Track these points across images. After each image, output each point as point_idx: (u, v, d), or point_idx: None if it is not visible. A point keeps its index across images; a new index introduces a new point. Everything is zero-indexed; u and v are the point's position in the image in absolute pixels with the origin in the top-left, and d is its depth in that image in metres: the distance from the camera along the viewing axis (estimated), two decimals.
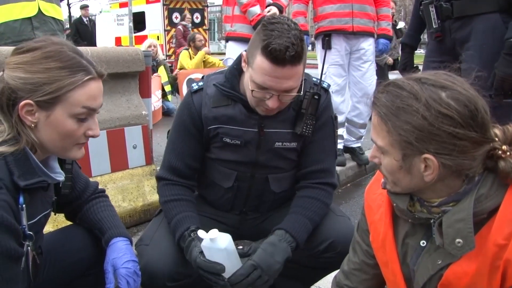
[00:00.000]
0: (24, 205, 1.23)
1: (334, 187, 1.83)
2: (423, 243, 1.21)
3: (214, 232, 1.49)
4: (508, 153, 1.05)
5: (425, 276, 1.18)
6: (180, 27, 11.59)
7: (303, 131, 1.71)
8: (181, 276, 1.64)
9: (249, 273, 1.53)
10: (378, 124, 1.12)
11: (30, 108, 1.20)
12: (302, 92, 1.69)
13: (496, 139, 1.08)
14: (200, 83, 1.77)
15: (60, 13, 3.22)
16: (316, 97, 1.71)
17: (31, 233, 1.28)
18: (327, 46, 3.80)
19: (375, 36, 3.99)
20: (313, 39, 4.17)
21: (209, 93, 1.73)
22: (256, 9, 3.81)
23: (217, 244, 1.48)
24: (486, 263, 1.06)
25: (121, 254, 1.49)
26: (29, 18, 2.96)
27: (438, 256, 1.15)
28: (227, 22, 4.07)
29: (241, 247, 1.58)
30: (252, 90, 1.57)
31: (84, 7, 12.54)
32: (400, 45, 4.10)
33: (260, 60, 1.51)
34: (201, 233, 1.52)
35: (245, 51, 1.64)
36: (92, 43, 11.62)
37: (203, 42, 8.13)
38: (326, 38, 3.84)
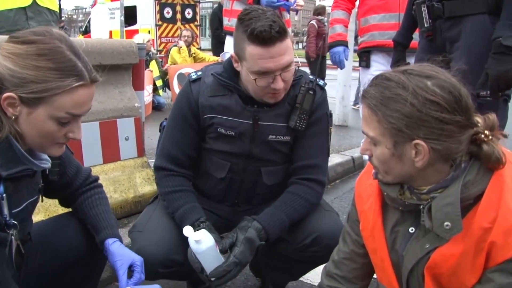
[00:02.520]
0: (4, 195, 1.22)
1: (323, 184, 1.84)
2: (412, 229, 1.26)
3: (199, 233, 1.55)
4: (490, 137, 1.12)
5: (413, 260, 1.23)
6: (314, 21, 9.01)
7: (296, 125, 1.74)
8: (173, 263, 1.67)
9: (232, 269, 1.57)
10: (368, 116, 1.17)
11: (13, 100, 1.16)
12: (297, 86, 1.74)
13: (479, 125, 1.14)
14: (199, 73, 1.79)
15: (55, 4, 3.21)
16: (311, 92, 1.74)
17: (15, 222, 1.27)
18: (365, 64, 3.36)
19: None
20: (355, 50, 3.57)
21: (207, 82, 1.75)
22: None
23: (199, 246, 1.54)
24: (472, 245, 1.11)
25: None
26: (24, 8, 2.95)
27: (426, 241, 1.21)
28: (225, 16, 3.98)
29: (220, 247, 1.62)
30: (254, 79, 1.60)
31: None
32: None
33: (250, 49, 1.56)
34: (186, 230, 1.56)
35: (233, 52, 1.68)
36: None
37: (186, 38, 8.08)
38: (363, 55, 3.35)
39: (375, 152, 1.19)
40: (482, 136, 1.12)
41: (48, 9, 3.10)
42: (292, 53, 1.63)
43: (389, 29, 3.15)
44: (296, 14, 3.98)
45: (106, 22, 14.81)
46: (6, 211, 1.24)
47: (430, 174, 1.16)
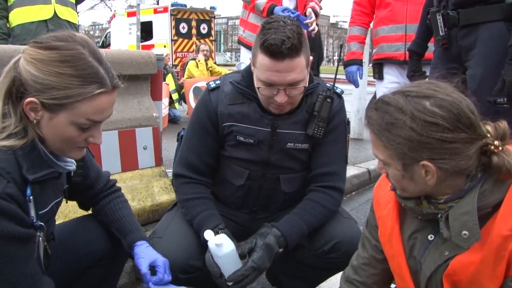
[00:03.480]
0: (31, 197, 1.23)
1: (341, 191, 1.84)
2: (431, 237, 1.25)
3: (220, 237, 1.56)
4: (500, 148, 1.10)
5: (432, 267, 1.22)
6: None
7: (314, 133, 1.75)
8: (193, 269, 1.68)
9: (250, 273, 1.58)
10: (374, 140, 1.18)
11: (35, 105, 1.18)
12: (314, 94, 1.76)
13: (488, 135, 1.12)
14: (218, 81, 1.82)
15: (75, 17, 3.29)
16: (328, 100, 1.75)
17: (42, 224, 1.28)
18: (377, 76, 3.40)
19: None
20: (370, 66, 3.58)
21: (226, 90, 1.77)
22: (262, 0, 3.52)
23: (219, 250, 1.55)
24: (491, 254, 1.10)
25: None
26: (45, 21, 3.04)
27: (445, 248, 1.20)
28: (241, 25, 3.93)
29: (239, 252, 1.63)
30: (258, 88, 1.63)
31: None
32: None
33: (260, 58, 1.58)
34: (207, 234, 1.57)
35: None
36: (321, 55, 8.16)
37: (205, 52, 8.20)
38: (376, 67, 3.40)
39: (389, 172, 1.20)
40: (492, 147, 1.10)
41: (68, 21, 3.19)
42: (302, 72, 1.61)
43: (396, 41, 3.20)
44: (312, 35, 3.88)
45: (125, 35, 14.96)
46: (33, 213, 1.25)
47: (445, 188, 1.15)
